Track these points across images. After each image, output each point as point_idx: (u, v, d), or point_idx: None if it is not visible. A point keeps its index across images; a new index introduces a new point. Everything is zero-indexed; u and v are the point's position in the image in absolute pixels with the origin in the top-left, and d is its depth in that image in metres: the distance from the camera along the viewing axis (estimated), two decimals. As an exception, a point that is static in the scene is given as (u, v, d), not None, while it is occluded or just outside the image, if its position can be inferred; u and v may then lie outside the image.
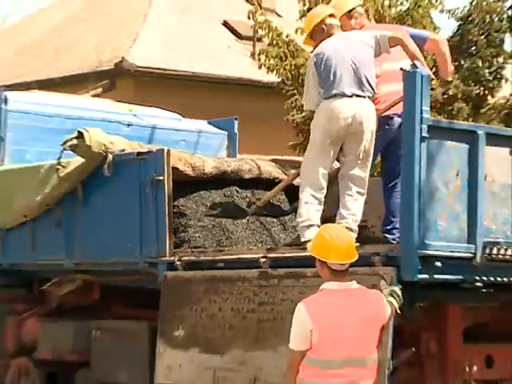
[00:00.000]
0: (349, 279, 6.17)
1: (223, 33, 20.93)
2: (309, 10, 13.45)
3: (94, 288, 9.78)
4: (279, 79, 13.84)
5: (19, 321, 10.13)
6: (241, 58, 18.45)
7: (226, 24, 21.13)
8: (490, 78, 13.12)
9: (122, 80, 17.91)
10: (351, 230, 7.65)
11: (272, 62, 13.74)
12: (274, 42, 13.81)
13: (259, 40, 15.79)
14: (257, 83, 17.27)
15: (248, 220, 8.65)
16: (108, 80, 17.76)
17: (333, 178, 8.04)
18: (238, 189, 9.01)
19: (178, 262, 8.29)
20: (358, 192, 7.86)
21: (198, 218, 8.58)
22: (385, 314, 6.27)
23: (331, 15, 8.20)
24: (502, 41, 13.21)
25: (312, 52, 8.30)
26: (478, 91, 13.03)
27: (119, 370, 8.92)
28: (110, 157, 8.86)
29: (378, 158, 8.66)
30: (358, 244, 7.34)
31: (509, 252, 7.17)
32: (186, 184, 8.68)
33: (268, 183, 9.02)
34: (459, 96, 12.81)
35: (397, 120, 8.09)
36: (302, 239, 7.63)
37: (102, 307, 9.73)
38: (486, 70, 13.11)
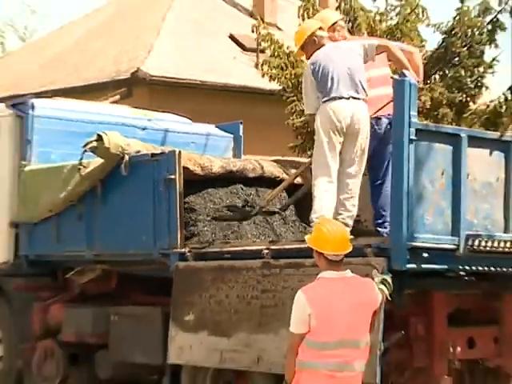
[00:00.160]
0: (343, 268, 6.18)
1: (230, 45, 20.93)
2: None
3: (112, 277, 9.78)
4: (280, 87, 13.81)
5: (45, 306, 10.11)
6: (246, 68, 18.43)
7: (232, 37, 21.13)
8: (472, 86, 13.09)
9: (137, 88, 17.90)
10: (347, 225, 7.67)
11: (274, 71, 13.73)
12: (276, 54, 13.79)
13: (262, 52, 15.76)
14: (260, 91, 17.24)
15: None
16: (125, 88, 17.71)
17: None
18: (242, 187, 9.02)
19: (189, 253, 8.30)
20: (354, 189, 7.86)
21: (207, 213, 8.57)
22: (376, 300, 6.26)
23: (320, 28, 8.24)
24: (483, 52, 13.18)
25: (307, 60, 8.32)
26: (460, 98, 13.00)
27: (135, 351, 8.91)
28: (127, 158, 8.87)
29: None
30: (352, 237, 7.34)
31: (489, 244, 7.18)
32: (196, 182, 8.68)
33: (270, 181, 9.02)
34: (444, 102, 12.80)
35: (384, 121, 8.14)
36: None
37: (120, 294, 9.72)
38: (468, 79, 13.07)
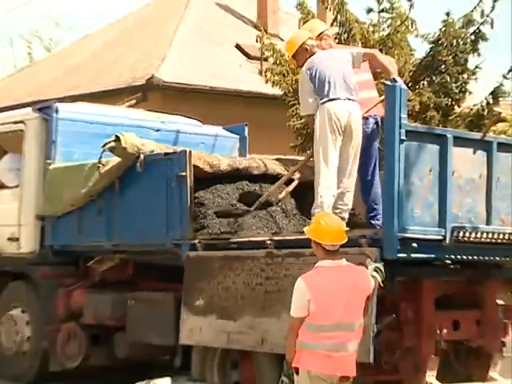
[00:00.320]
0: (339, 258, 6.23)
1: (236, 54, 20.92)
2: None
3: (129, 265, 9.79)
4: (282, 92, 13.80)
5: (68, 292, 10.10)
6: (250, 75, 18.41)
7: (238, 47, 21.12)
8: (457, 91, 13.08)
9: (152, 93, 17.89)
10: (343, 218, 7.68)
11: (276, 77, 13.73)
12: (278, 62, 13.79)
13: (265, 60, 15.74)
14: (264, 95, 17.22)
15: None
16: (141, 93, 17.65)
17: None
18: (248, 183, 9.00)
19: (199, 244, 8.30)
20: (350, 185, 7.85)
21: (215, 207, 8.55)
22: (369, 287, 6.29)
23: (310, 37, 8.24)
24: (466, 60, 13.17)
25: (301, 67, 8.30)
26: (446, 102, 12.99)
27: (149, 333, 8.90)
28: (142, 157, 8.86)
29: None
30: (347, 228, 7.35)
31: (473, 235, 7.18)
32: (205, 179, 8.66)
33: (273, 178, 8.99)
34: (431, 106, 12.80)
35: (371, 121, 8.19)
36: None
37: (136, 281, 9.72)
38: (454, 85, 13.05)
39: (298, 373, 6.07)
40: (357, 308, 6.14)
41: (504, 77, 13.04)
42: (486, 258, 7.55)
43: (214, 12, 22.62)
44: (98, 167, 9.21)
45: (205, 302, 8.03)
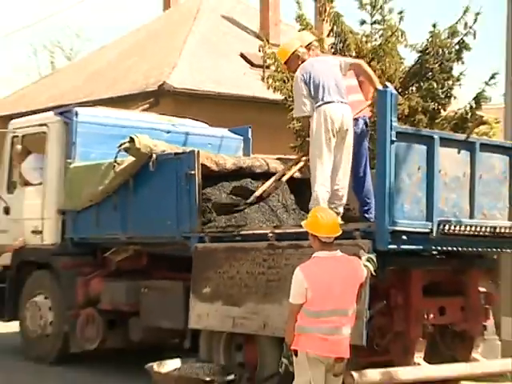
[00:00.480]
0: (334, 249, 6.23)
1: (240, 62, 20.89)
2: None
3: (142, 256, 9.79)
4: (283, 97, 13.76)
5: (87, 280, 10.08)
6: (254, 82, 18.35)
7: (242, 55, 21.09)
8: (443, 96, 13.05)
9: (163, 98, 17.88)
10: (338, 213, 7.67)
11: (277, 84, 13.68)
12: (279, 69, 13.72)
13: (267, 67, 15.66)
14: (266, 100, 17.17)
15: (259, 204, 8.59)
16: (153, 98, 17.75)
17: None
18: (251, 180, 8.97)
19: (206, 236, 8.29)
20: (344, 182, 7.83)
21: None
22: (362, 275, 6.29)
23: (301, 46, 8.23)
24: (451, 68, 13.14)
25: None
26: (433, 106, 12.96)
27: (161, 318, 8.89)
28: (154, 156, 8.84)
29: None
30: (342, 222, 7.37)
31: (457, 228, 7.18)
32: (212, 177, 8.65)
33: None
34: (419, 110, 12.77)
35: (361, 122, 8.19)
36: None
37: (149, 270, 9.71)
38: (440, 90, 13.03)
39: (296, 354, 6.08)
40: (350, 295, 6.14)
41: (486, 83, 13.03)
42: (470, 249, 7.55)
43: (220, 24, 22.60)
44: (114, 166, 9.20)
45: (211, 290, 8.02)
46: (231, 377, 7.51)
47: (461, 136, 7.81)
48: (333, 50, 13.15)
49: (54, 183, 10.51)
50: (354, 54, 13.07)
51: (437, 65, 13.07)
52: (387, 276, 7.03)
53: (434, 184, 7.06)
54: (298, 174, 8.99)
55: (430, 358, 7.70)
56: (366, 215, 8.01)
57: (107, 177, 9.37)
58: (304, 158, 8.59)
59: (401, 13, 13.18)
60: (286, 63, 8.33)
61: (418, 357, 7.56)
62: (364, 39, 13.33)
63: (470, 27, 12.83)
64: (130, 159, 9.06)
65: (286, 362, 6.26)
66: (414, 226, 6.94)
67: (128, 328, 9.56)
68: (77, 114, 10.33)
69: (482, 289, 8.27)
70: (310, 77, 7.79)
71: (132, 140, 8.87)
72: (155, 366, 7.90)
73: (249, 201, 8.32)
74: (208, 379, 7.49)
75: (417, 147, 7.04)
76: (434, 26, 13.05)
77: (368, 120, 8.40)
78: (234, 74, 19.95)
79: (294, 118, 13.03)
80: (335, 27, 13.26)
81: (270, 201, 8.74)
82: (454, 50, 13.06)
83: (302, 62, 8.02)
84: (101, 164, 9.58)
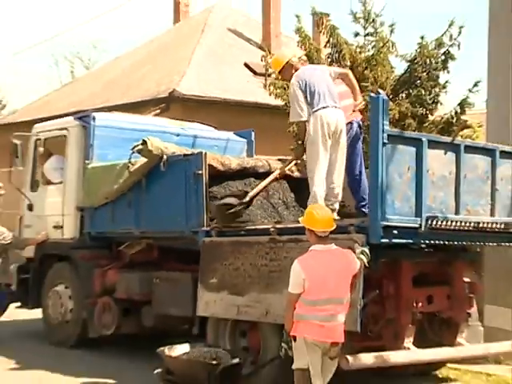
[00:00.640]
0: (329, 242, 6.27)
1: (244, 71, 20.89)
2: (305, 55, 13.37)
3: (154, 249, 9.76)
4: (283, 103, 13.73)
5: (103, 271, 10.05)
6: (256, 89, 18.33)
7: (246, 65, 21.09)
8: (430, 102, 13.02)
9: (173, 104, 17.86)
10: (334, 209, 7.67)
11: (278, 91, 13.66)
12: (280, 77, 13.72)
13: (269, 75, 15.66)
14: (268, 106, 17.16)
15: (261, 202, 8.57)
16: (164, 104, 17.64)
17: None
18: (254, 180, 8.94)
19: (213, 231, 8.24)
20: (339, 180, 7.81)
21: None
22: (355, 267, 6.30)
23: (294, 55, 8.27)
24: (438, 76, 13.12)
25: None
26: (421, 111, 12.93)
27: (171, 306, 8.85)
28: (165, 157, 8.82)
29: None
30: (338, 217, 7.37)
31: (444, 223, 7.15)
32: (218, 176, 8.62)
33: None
34: (409, 115, 12.76)
35: (355, 125, 8.17)
36: None
37: (160, 262, 9.67)
38: (427, 97, 13.00)
39: (295, 340, 6.10)
40: (344, 285, 6.15)
41: (469, 91, 13.01)
42: (455, 242, 7.53)
43: (226, 36, 22.60)
44: (128, 166, 9.17)
45: (218, 280, 7.99)
46: (236, 360, 7.50)
47: (447, 139, 7.77)
48: (329, 60, 13.13)
49: (74, 182, 10.49)
50: (348, 63, 13.05)
51: (424, 73, 13.05)
52: (379, 267, 6.99)
53: (422, 183, 7.02)
54: (297, 174, 9.00)
55: (419, 343, 7.68)
56: (364, 209, 7.97)
57: (122, 176, 9.35)
58: (293, 162, 8.56)
59: (391, 26, 13.20)
60: (280, 72, 8.30)
61: (408, 342, 7.54)
62: (358, 50, 13.31)
63: (455, 39, 12.83)
64: (143, 160, 9.04)
65: (285, 347, 6.28)
66: (404, 221, 6.90)
67: (141, 315, 9.53)
68: (94, 119, 10.32)
69: (466, 279, 8.24)
70: (305, 84, 7.76)
71: (145, 142, 8.85)
72: (166, 350, 7.88)
73: (245, 199, 8.25)
74: (214, 362, 7.46)
75: (407, 149, 7.00)
76: (422, 37, 13.04)
77: (361, 123, 8.38)
78: (239, 81, 19.95)
79: (294, 123, 13.03)
80: (331, 39, 13.25)
81: (271, 198, 8.74)
82: (440, 59, 13.04)
83: (296, 71, 7.99)
84: (116, 164, 9.55)
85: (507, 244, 8.40)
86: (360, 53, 13.27)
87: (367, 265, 6.42)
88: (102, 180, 9.73)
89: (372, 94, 7.10)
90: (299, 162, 8.65)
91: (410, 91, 13.15)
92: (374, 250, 6.60)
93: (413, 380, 8.41)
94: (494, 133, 9.60)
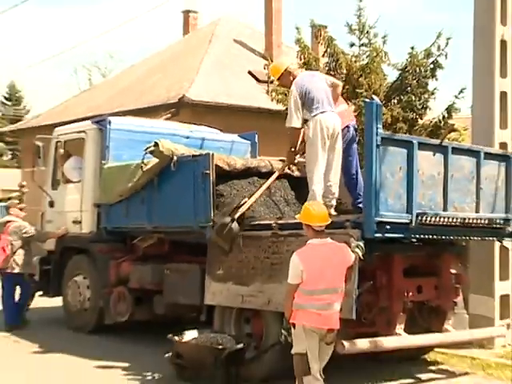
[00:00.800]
0: (325, 236, 6.27)
1: (248, 78, 20.88)
2: (304, 63, 13.33)
3: (165, 243, 9.71)
4: (284, 108, 13.69)
5: (118, 263, 10.02)
6: (259, 95, 18.33)
7: (250, 73, 21.09)
8: (420, 108, 12.99)
9: (183, 109, 17.88)
10: (331, 205, 7.64)
11: (280, 96, 13.63)
12: (279, 84, 13.68)
13: (271, 82, 15.66)
14: (270, 110, 17.12)
15: (264, 199, 8.53)
16: (174, 109, 17.74)
17: None
18: (257, 179, 8.89)
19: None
20: (335, 179, 7.78)
21: (232, 198, 8.44)
22: (350, 259, 6.30)
23: (292, 63, 8.23)
24: (427, 84, 13.09)
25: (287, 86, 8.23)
26: (412, 116, 12.91)
27: (181, 295, 8.81)
28: (175, 158, 8.76)
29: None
30: (336, 213, 7.35)
31: (433, 219, 7.13)
32: (224, 175, 8.56)
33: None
34: (400, 119, 12.74)
35: (351, 128, 8.14)
36: None
37: (171, 255, 9.63)
38: (417, 102, 12.97)
39: (294, 327, 6.09)
40: (339, 276, 6.14)
41: (456, 97, 12.99)
42: (443, 237, 7.51)
43: (231, 47, 22.59)
44: (141, 166, 9.13)
45: (224, 272, 7.96)
46: (240, 345, 7.48)
47: (435, 141, 7.73)
48: (327, 68, 13.10)
49: (91, 181, 10.47)
50: (344, 71, 13.04)
51: (415, 81, 13.02)
52: (373, 260, 6.95)
53: (413, 182, 6.99)
54: (297, 173, 8.97)
55: (410, 329, 7.65)
56: (360, 205, 7.95)
57: (135, 175, 9.31)
58: (286, 167, 8.54)
59: (384, 37, 13.19)
60: (278, 79, 8.24)
61: (399, 328, 7.51)
62: (353, 59, 13.28)
63: (443, 49, 12.81)
64: (155, 160, 9.00)
65: (285, 334, 6.29)
66: (396, 217, 6.86)
67: (153, 304, 9.50)
68: (110, 123, 10.29)
69: (453, 271, 8.21)
70: (305, 91, 7.71)
71: (156, 144, 8.81)
72: (176, 336, 7.87)
73: (235, 217, 7.90)
74: (220, 347, 7.45)
75: (398, 150, 6.96)
76: (412, 48, 13.02)
77: (357, 127, 8.37)
78: (243, 88, 19.93)
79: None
80: (329, 49, 13.22)
81: (273, 196, 8.69)
82: (429, 68, 13.02)
83: (294, 77, 7.93)
84: (130, 164, 9.52)
85: (491, 238, 8.39)
86: (355, 62, 13.24)
87: (362, 258, 6.40)
88: (117, 179, 9.69)
89: (366, 100, 7.07)
90: (296, 163, 8.62)
91: (402, 97, 13.12)
92: (368, 243, 6.57)
93: (403, 364, 8.38)
94: (479, 136, 9.59)
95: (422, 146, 7.21)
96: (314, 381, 6.07)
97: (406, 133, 12.27)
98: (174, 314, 9.48)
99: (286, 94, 13.31)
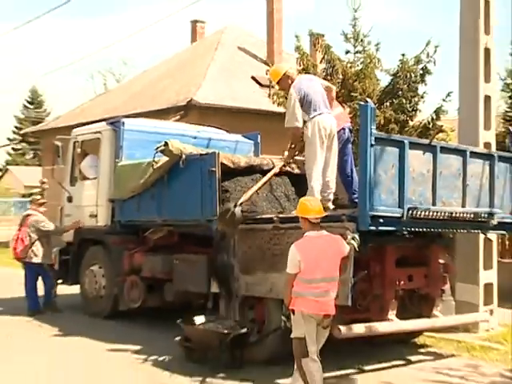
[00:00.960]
0: (321, 229, 6.25)
1: (251, 83, 20.84)
2: (303, 69, 13.28)
3: (174, 235, 9.69)
4: (284, 110, 13.62)
5: (131, 254, 10.01)
6: (262, 98, 18.29)
7: (253, 78, 21.04)
8: (410, 110, 12.93)
9: (191, 111, 17.85)
10: (329, 199, 7.61)
11: (281, 99, 13.57)
12: (278, 87, 13.63)
13: (273, 87, 15.58)
14: (271, 112, 17.04)
15: (266, 195, 8.50)
16: (183, 111, 17.71)
17: None
18: (260, 175, 8.82)
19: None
20: (332, 176, 7.76)
21: (236, 193, 8.42)
22: (344, 250, 6.29)
23: (290, 67, 8.18)
24: (417, 88, 13.02)
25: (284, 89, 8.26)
26: (403, 118, 12.85)
27: (189, 283, 8.80)
28: (184, 156, 8.74)
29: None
30: (333, 207, 7.33)
31: (423, 213, 7.10)
32: (229, 173, 8.53)
33: (278, 172, 8.82)
34: (392, 120, 12.68)
35: (347, 130, 8.10)
36: None
37: (180, 246, 9.60)
38: (408, 105, 12.91)
39: (293, 313, 6.08)
40: (335, 266, 6.13)
41: (443, 100, 12.92)
42: (432, 229, 7.49)
43: (236, 54, 22.55)
44: (152, 164, 9.11)
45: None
46: (244, 330, 7.46)
47: (425, 141, 7.71)
48: (324, 74, 13.05)
49: (106, 178, 10.46)
50: (340, 76, 12.97)
51: (405, 85, 12.95)
52: (367, 251, 6.92)
53: (404, 178, 6.96)
54: (297, 171, 8.94)
55: (401, 315, 7.64)
56: (356, 201, 7.93)
57: (147, 173, 9.29)
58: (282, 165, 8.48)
59: (377, 44, 13.11)
60: (278, 83, 8.19)
61: (392, 314, 7.50)
62: (349, 65, 13.22)
63: (431, 56, 12.74)
64: (165, 159, 8.98)
65: (284, 319, 6.28)
66: (389, 211, 6.84)
67: (163, 291, 9.49)
68: (124, 124, 10.27)
69: (441, 261, 8.20)
70: (304, 94, 7.67)
71: (166, 144, 8.79)
72: (185, 321, 7.85)
73: (238, 203, 7.91)
74: (226, 332, 7.43)
75: (391, 150, 6.93)
76: (403, 55, 12.95)
77: (352, 128, 8.35)
78: (246, 92, 19.89)
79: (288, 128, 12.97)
80: (326, 56, 13.16)
81: (275, 192, 8.67)
82: (418, 74, 12.94)
83: (292, 81, 7.88)
84: (142, 163, 9.49)
85: (476, 231, 8.36)
86: (350, 68, 13.18)
87: (357, 249, 6.37)
88: (130, 176, 9.67)
89: (361, 103, 7.04)
90: (295, 160, 8.60)
91: (393, 100, 13.05)
92: (363, 236, 6.54)
93: (395, 347, 8.37)
94: (465, 136, 9.58)
95: (413, 145, 7.18)
96: (311, 362, 6.08)
97: (397, 133, 12.22)
98: (183, 300, 9.47)
99: (286, 98, 13.26)
